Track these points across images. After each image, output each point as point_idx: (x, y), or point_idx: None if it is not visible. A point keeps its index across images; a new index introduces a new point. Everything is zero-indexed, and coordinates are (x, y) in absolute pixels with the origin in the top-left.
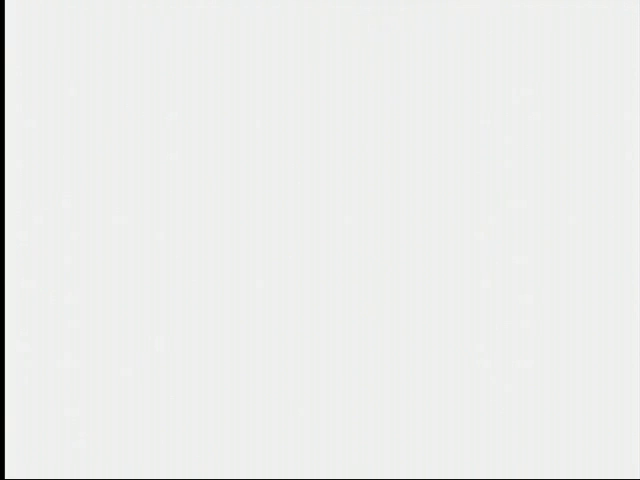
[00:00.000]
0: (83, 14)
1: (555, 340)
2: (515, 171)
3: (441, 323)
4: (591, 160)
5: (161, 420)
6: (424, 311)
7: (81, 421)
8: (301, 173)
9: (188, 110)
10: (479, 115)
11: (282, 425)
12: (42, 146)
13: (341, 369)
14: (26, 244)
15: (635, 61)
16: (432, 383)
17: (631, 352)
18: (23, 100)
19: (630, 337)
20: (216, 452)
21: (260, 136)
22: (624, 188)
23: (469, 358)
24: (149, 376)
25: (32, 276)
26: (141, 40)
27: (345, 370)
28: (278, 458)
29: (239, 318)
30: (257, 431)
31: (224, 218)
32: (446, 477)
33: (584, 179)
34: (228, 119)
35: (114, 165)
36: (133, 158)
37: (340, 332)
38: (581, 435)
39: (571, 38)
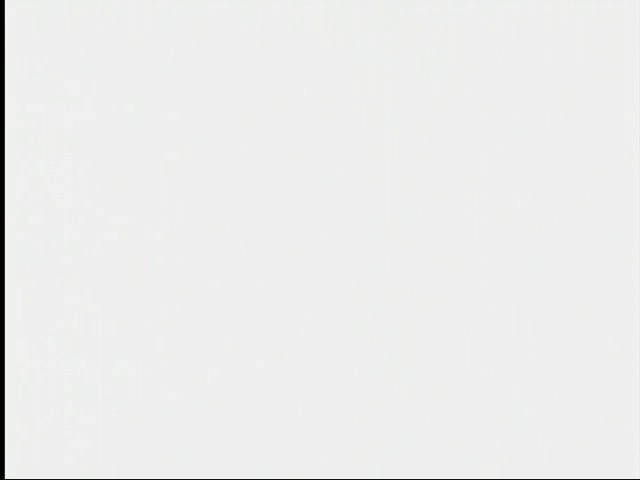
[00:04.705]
0: (83, 13)
1: (555, 340)
2: (515, 171)
3: (441, 323)
4: (591, 160)
5: (161, 420)
6: (424, 311)
7: (81, 421)
8: (301, 172)
9: (188, 110)
10: (479, 115)
11: (282, 425)
12: (42, 146)
13: (341, 369)
14: (26, 244)
15: (635, 61)
16: (432, 383)
17: (631, 352)
18: (23, 100)
19: (630, 337)
20: (216, 452)
21: (260, 136)
22: (624, 188)
23: (469, 358)
24: (149, 376)
25: (32, 276)
26: (140, 39)
27: (345, 370)
28: (278, 458)
29: (239, 318)
30: (257, 431)
31: (224, 218)
32: (446, 477)
33: (584, 179)
34: (228, 119)
35: (114, 165)
36: (133, 158)
37: (340, 332)
38: (581, 435)
39: (571, 38)
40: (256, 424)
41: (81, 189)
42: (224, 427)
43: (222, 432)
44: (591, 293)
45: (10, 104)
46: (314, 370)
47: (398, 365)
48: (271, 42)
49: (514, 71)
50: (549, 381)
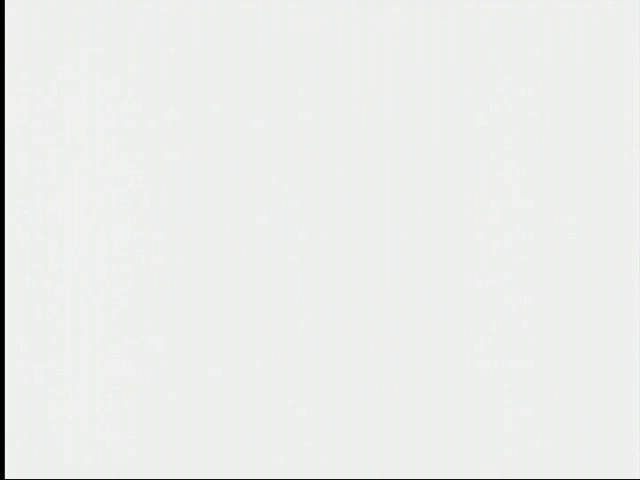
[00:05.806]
0: (83, 13)
1: (555, 340)
2: (515, 171)
3: (441, 323)
4: (591, 160)
5: (161, 420)
6: (424, 311)
7: (81, 421)
8: (301, 173)
9: (188, 110)
10: (479, 115)
11: (282, 425)
12: (42, 146)
13: (341, 370)
14: (26, 244)
15: (635, 61)
16: (432, 383)
17: (631, 352)
18: (23, 100)
19: (630, 337)
20: (216, 452)
21: (260, 137)
22: (624, 188)
23: (469, 358)
24: (150, 376)
25: (32, 276)
26: (140, 38)
27: (345, 371)
28: (278, 458)
29: (239, 320)
30: (257, 431)
31: (224, 218)
32: (446, 477)
33: (584, 179)
34: (228, 118)
35: (114, 165)
36: (133, 158)
37: (340, 332)
38: (581, 435)
39: (571, 38)
40: (256, 424)
41: (81, 189)
42: (224, 427)
43: (222, 432)
44: (591, 293)
45: (10, 104)
46: (314, 370)
47: (398, 365)
48: (271, 41)
49: (514, 70)
50: (549, 381)
